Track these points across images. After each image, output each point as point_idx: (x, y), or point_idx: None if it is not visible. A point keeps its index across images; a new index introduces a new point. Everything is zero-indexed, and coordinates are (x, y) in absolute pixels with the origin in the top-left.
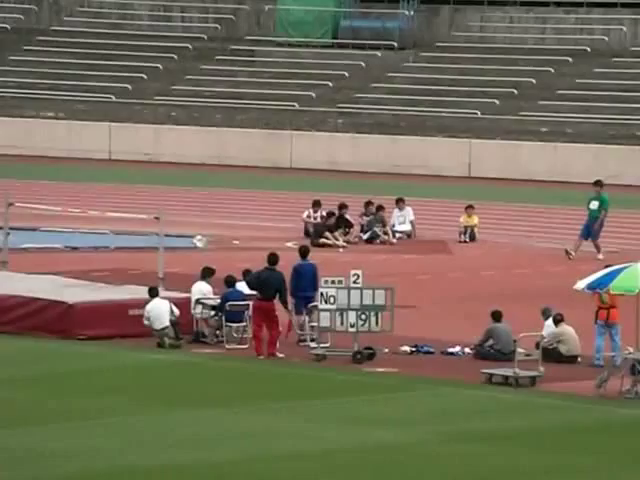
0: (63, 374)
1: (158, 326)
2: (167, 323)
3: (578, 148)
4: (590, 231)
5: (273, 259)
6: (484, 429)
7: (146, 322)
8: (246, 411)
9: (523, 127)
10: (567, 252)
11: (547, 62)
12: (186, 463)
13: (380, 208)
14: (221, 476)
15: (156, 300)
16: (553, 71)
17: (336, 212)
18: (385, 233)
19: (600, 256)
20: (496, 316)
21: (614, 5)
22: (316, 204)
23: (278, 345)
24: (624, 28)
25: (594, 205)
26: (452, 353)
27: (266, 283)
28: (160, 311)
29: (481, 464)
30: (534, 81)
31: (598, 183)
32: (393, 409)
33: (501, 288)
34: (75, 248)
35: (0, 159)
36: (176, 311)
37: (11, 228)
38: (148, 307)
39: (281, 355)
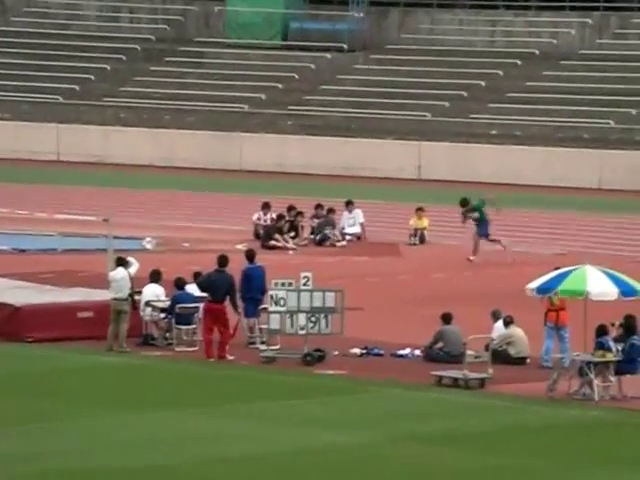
0: (8, 376)
1: (117, 295)
2: (125, 295)
3: (527, 150)
4: (485, 231)
5: (223, 261)
6: (433, 431)
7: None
8: (196, 414)
9: (473, 130)
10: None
11: (496, 65)
12: (135, 466)
13: (330, 211)
14: (180, 478)
15: (119, 269)
16: (502, 74)
17: (286, 215)
18: (335, 235)
19: (472, 257)
20: (446, 318)
21: (563, 8)
22: (266, 206)
23: (228, 347)
24: (572, 31)
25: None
26: (402, 355)
27: (216, 285)
28: (120, 283)
29: (429, 465)
30: (483, 84)
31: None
32: (343, 411)
33: (451, 290)
34: (23, 250)
35: None
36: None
37: None
38: (112, 274)
39: (231, 357)
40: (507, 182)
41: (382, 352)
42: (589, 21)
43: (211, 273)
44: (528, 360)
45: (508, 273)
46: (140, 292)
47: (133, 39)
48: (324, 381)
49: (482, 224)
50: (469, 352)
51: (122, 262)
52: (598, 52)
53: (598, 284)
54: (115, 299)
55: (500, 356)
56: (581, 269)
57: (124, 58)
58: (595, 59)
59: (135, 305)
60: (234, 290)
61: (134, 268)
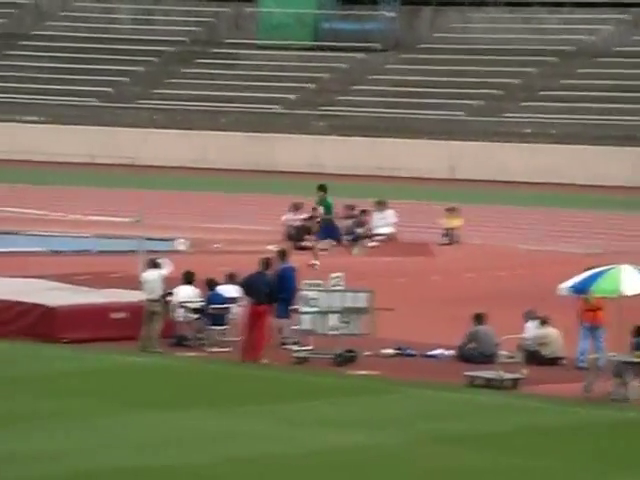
0: (41, 376)
1: (150, 296)
2: (158, 296)
3: (561, 149)
4: (330, 233)
5: (266, 263)
6: (465, 431)
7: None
8: (225, 414)
9: (506, 128)
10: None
11: (530, 63)
12: (162, 465)
13: (364, 212)
14: (194, 477)
15: (152, 271)
16: (536, 72)
17: (316, 215)
18: (366, 236)
19: (314, 261)
20: (478, 319)
21: (598, 5)
22: (295, 207)
23: (263, 351)
24: (608, 28)
25: (321, 210)
26: (434, 356)
27: (256, 286)
28: (152, 284)
29: (459, 465)
30: (517, 82)
31: (322, 188)
32: (374, 411)
33: (483, 290)
34: (57, 252)
35: None
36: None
37: None
38: (144, 275)
39: (265, 361)
40: (541, 181)
41: (414, 352)
42: (625, 17)
43: (251, 274)
44: (563, 361)
45: (540, 272)
46: (171, 293)
47: (166, 42)
48: (355, 382)
49: (327, 226)
50: (502, 352)
51: (155, 263)
52: (634, 49)
53: (633, 283)
54: (148, 300)
55: (534, 356)
56: (615, 269)
57: (157, 61)
58: (631, 56)
59: (167, 306)
60: (274, 291)
61: (167, 269)
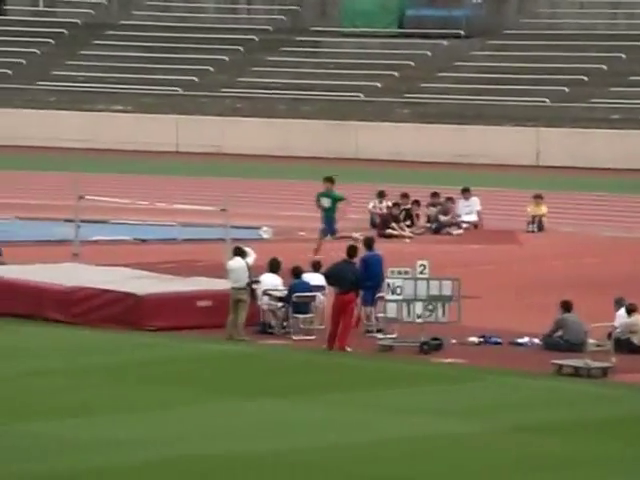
0: (130, 364)
1: (236, 284)
2: (244, 284)
3: None
4: (331, 229)
5: (352, 251)
6: (552, 420)
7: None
8: (311, 401)
9: (593, 114)
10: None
11: (618, 48)
12: (246, 452)
13: (449, 199)
14: (282, 465)
15: (237, 259)
16: (625, 57)
17: (400, 203)
18: (452, 224)
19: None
20: (566, 306)
21: None
22: (381, 195)
23: (348, 339)
24: None
25: (326, 203)
26: (521, 344)
27: (342, 275)
28: (238, 272)
29: (545, 455)
30: (605, 67)
31: (329, 179)
32: (460, 399)
33: (570, 278)
34: (143, 240)
35: (71, 152)
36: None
37: (82, 221)
38: (230, 263)
39: (349, 349)
40: (628, 167)
41: (500, 340)
42: None
43: (337, 263)
44: None
45: (628, 260)
46: (258, 281)
47: (250, 30)
48: (441, 370)
49: (329, 219)
50: (591, 341)
51: (240, 252)
52: None
53: None
54: (233, 288)
55: (623, 345)
56: None
57: (241, 49)
58: None
59: (253, 294)
60: (360, 280)
61: (251, 258)
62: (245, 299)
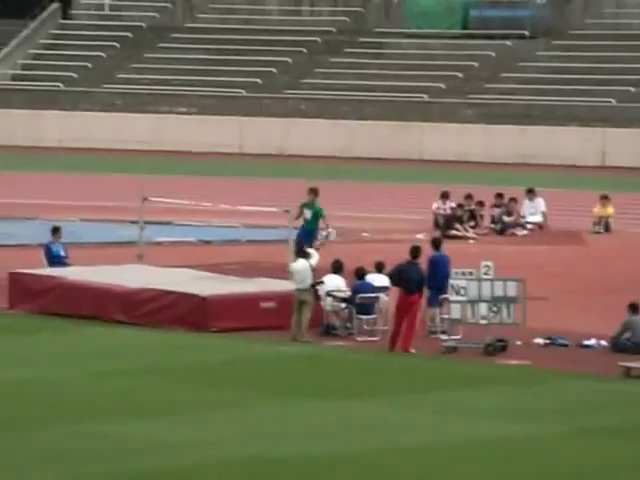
0: (193, 365)
1: (299, 285)
2: (308, 285)
3: None
4: (309, 241)
5: (416, 252)
6: (620, 423)
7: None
8: (375, 403)
9: None
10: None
11: None
12: (311, 454)
13: (512, 200)
14: (347, 467)
15: (300, 261)
16: None
17: (464, 204)
18: (516, 225)
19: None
20: (633, 308)
21: None
22: (444, 195)
23: (412, 341)
24: None
25: (308, 215)
26: (587, 346)
27: (407, 276)
28: (302, 273)
29: (613, 459)
30: None
31: (312, 191)
32: (526, 402)
33: (637, 279)
34: (207, 241)
35: (135, 154)
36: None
37: (146, 222)
38: (293, 265)
39: (413, 351)
40: None
41: (566, 342)
42: None
43: (401, 264)
44: None
45: None
46: (321, 282)
47: (314, 32)
48: (506, 371)
49: (309, 231)
50: None
51: (303, 254)
52: None
53: None
54: (297, 289)
55: None
56: None
57: (305, 51)
58: None
59: (317, 295)
60: (425, 281)
61: (315, 259)
62: (309, 300)
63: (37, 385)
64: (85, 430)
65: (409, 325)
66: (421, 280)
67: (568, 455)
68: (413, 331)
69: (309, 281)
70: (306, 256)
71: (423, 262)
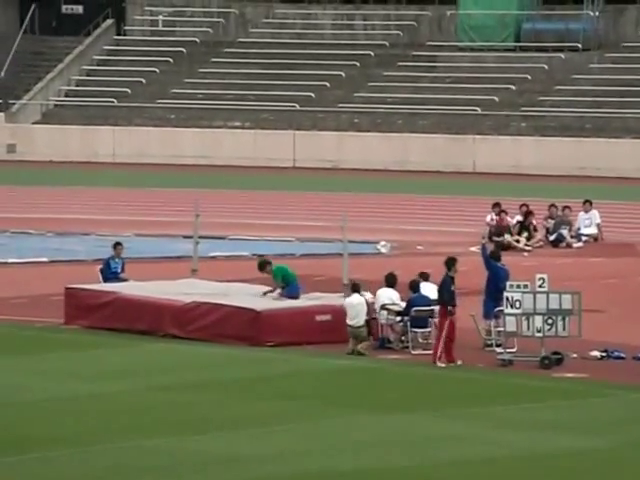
0: (250, 380)
1: (353, 322)
2: (362, 321)
3: None
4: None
5: (451, 263)
6: None
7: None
8: (430, 416)
9: None
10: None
11: None
12: (369, 467)
13: (566, 207)
14: None
15: (355, 295)
16: None
17: (520, 217)
18: (571, 236)
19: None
20: None
21: None
22: (496, 206)
23: (455, 352)
24: None
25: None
26: None
27: (447, 288)
28: (357, 308)
29: None
30: None
31: (264, 264)
32: (581, 415)
33: None
34: (261, 256)
35: (190, 169)
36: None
37: (200, 237)
38: (348, 300)
39: (460, 362)
40: None
41: (623, 355)
42: None
43: (445, 278)
44: None
45: None
46: (375, 319)
47: (367, 45)
48: (562, 384)
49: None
50: None
51: (356, 288)
52: None
53: None
54: (350, 326)
55: None
56: None
57: (358, 64)
58: None
59: (372, 331)
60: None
61: (369, 294)
62: (364, 336)
63: (95, 401)
64: (145, 445)
65: (450, 337)
66: (451, 293)
67: (630, 467)
68: (454, 342)
69: (363, 317)
70: (358, 290)
71: (472, 274)
